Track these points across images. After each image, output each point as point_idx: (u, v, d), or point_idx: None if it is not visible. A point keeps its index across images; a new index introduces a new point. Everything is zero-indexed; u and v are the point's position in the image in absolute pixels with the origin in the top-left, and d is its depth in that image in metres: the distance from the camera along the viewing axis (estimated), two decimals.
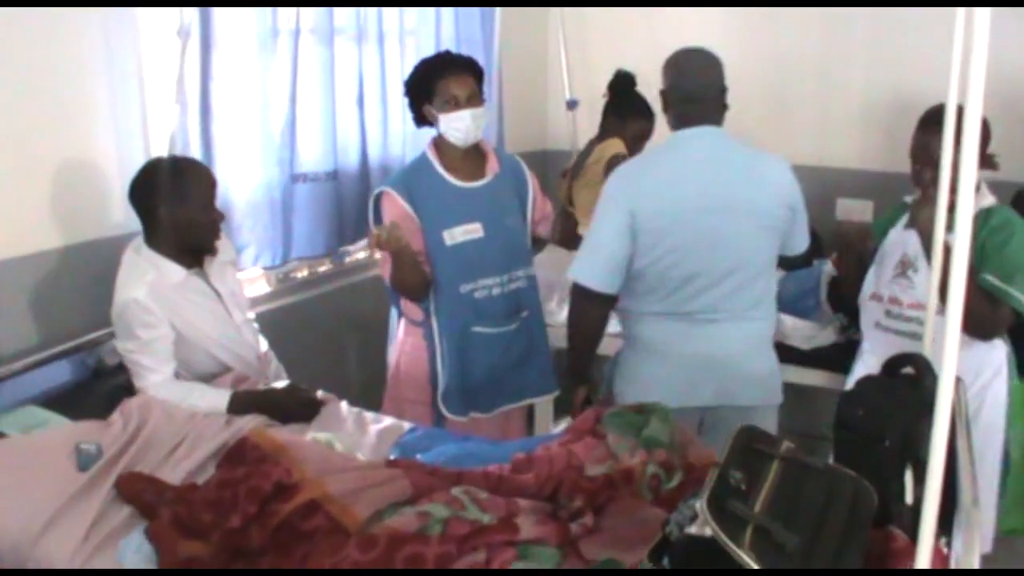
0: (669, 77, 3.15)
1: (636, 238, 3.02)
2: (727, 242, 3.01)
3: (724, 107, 3.14)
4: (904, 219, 3.31)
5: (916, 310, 3.22)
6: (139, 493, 2.41)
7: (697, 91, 3.09)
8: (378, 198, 3.43)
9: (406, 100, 3.48)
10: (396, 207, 3.36)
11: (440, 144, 3.46)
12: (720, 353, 3.11)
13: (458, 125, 3.35)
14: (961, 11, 2.20)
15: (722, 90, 3.13)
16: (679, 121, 3.12)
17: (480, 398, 3.53)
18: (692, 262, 3.02)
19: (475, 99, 3.37)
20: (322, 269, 4.25)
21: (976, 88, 1.34)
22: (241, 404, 2.94)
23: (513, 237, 3.56)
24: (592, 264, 3.10)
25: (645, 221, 3.00)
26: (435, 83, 3.36)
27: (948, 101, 2.41)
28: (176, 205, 2.93)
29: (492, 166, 3.53)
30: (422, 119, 3.46)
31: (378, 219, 3.44)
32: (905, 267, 3.27)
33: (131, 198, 2.98)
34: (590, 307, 3.16)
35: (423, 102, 3.40)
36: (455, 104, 3.33)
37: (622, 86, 4.36)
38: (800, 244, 3.26)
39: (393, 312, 3.69)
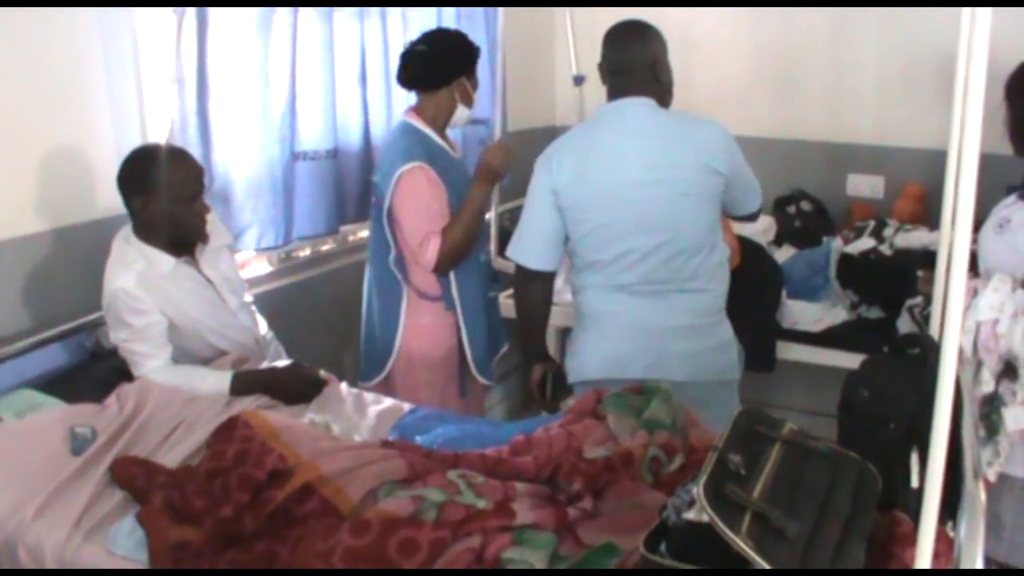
0: (601, 51, 3.22)
1: (563, 214, 3.10)
2: (649, 214, 3.01)
3: (655, 79, 3.13)
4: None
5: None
6: (132, 477, 2.38)
7: (622, 63, 3.13)
8: (403, 175, 3.36)
9: (448, 57, 3.51)
10: (435, 182, 3.38)
11: (424, 114, 3.53)
12: (655, 326, 3.10)
13: (472, 108, 3.57)
14: None
15: (651, 62, 3.11)
16: (609, 94, 3.18)
17: (490, 362, 3.69)
18: (620, 236, 3.04)
19: None
20: (324, 248, 4.21)
21: (978, 69, 1.30)
22: (244, 384, 2.91)
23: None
24: (525, 243, 3.20)
25: (566, 197, 3.07)
26: (475, 64, 3.54)
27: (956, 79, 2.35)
28: (150, 197, 2.87)
29: (454, 141, 3.70)
30: (440, 83, 3.50)
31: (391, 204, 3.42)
32: (1004, 222, 3.16)
33: (117, 186, 2.94)
34: (529, 285, 3.24)
35: (461, 73, 3.50)
36: (476, 88, 3.58)
37: None
38: (747, 206, 3.24)
39: (384, 296, 3.60)
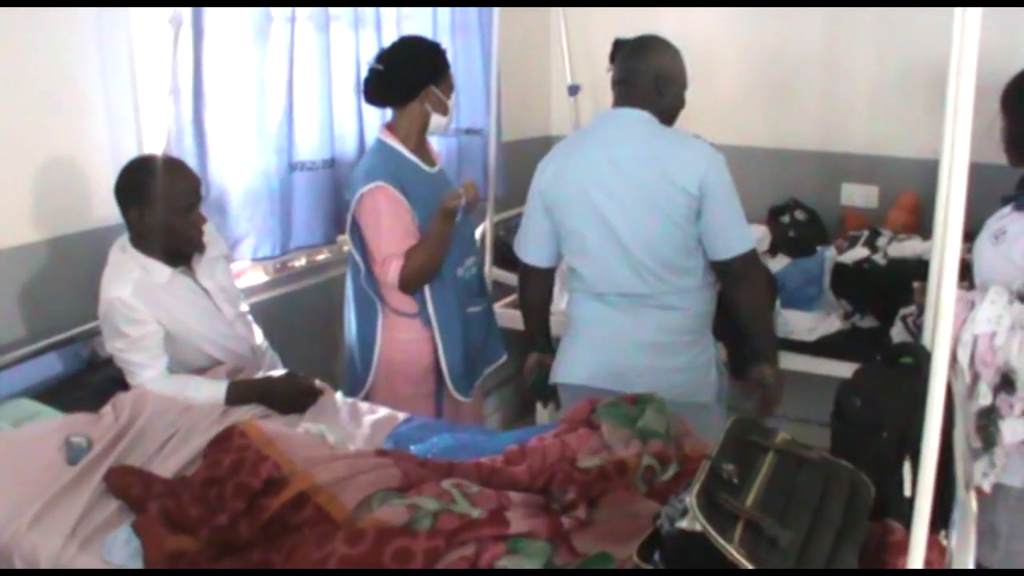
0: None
1: (549, 215, 3.19)
2: (616, 225, 3.03)
3: (658, 93, 3.11)
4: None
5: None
6: (128, 487, 2.38)
7: (627, 74, 3.14)
8: (363, 196, 3.36)
9: (407, 70, 3.47)
10: (396, 201, 3.35)
11: (397, 130, 3.50)
12: (623, 338, 3.14)
13: (450, 114, 3.53)
14: None
15: (655, 76, 3.10)
16: (613, 103, 3.18)
17: (471, 378, 3.66)
18: (590, 244, 3.10)
19: None
20: (320, 258, 4.22)
21: (967, 79, 1.31)
22: (239, 394, 2.92)
23: (469, 218, 3.69)
24: (522, 239, 3.35)
25: (547, 198, 3.17)
26: (447, 69, 3.50)
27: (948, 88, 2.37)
28: (146, 208, 2.88)
29: (437, 152, 3.69)
30: (409, 96, 3.47)
31: (355, 221, 3.44)
32: (999, 233, 3.14)
33: (115, 196, 2.95)
34: (528, 279, 3.40)
35: (430, 82, 3.46)
36: (450, 93, 3.51)
37: None
38: (719, 247, 3.03)
39: (360, 311, 3.59)
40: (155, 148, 3.25)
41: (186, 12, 3.20)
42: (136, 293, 2.85)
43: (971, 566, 1.76)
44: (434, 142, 3.76)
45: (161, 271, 2.94)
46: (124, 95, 3.25)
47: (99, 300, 2.88)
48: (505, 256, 4.15)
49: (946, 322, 1.39)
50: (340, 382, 3.39)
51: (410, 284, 3.39)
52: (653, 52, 3.13)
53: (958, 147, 1.34)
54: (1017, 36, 4.11)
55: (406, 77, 3.44)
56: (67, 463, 2.49)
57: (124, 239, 2.97)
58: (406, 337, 3.52)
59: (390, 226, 3.35)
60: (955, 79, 2.33)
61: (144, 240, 2.93)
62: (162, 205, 2.88)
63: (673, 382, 3.06)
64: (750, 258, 3.04)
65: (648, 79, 3.09)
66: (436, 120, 3.50)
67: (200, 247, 3.04)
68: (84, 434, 2.59)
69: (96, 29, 3.13)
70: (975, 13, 1.31)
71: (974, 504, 1.92)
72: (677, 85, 3.15)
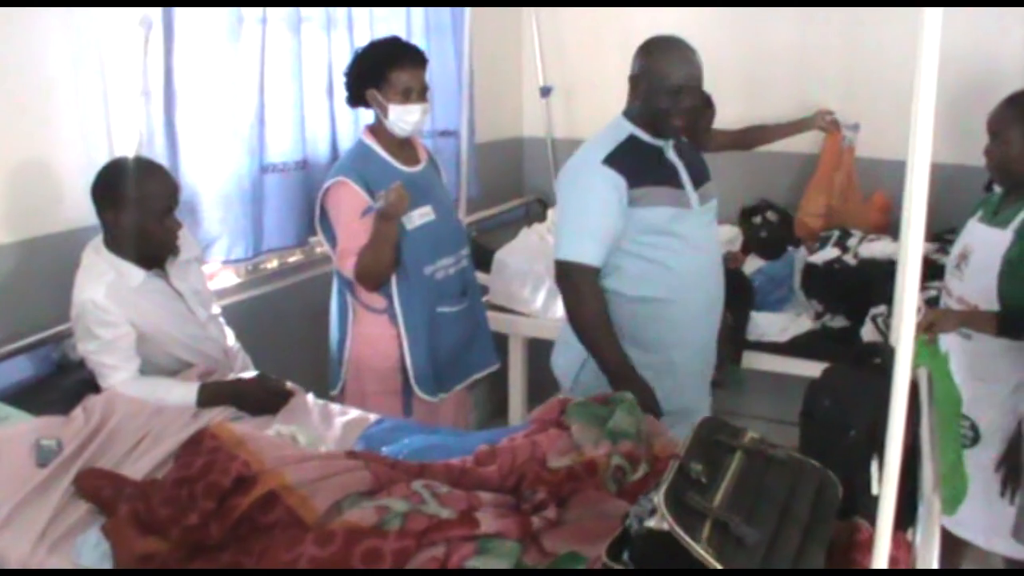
0: None
1: None
2: None
3: (633, 96, 3.17)
4: (980, 211, 3.23)
5: (959, 304, 3.16)
6: (98, 489, 2.38)
7: None
8: (328, 190, 3.40)
9: (345, 79, 3.51)
10: (355, 196, 3.35)
11: (378, 131, 3.50)
12: None
13: (408, 119, 3.41)
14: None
15: (631, 78, 3.15)
16: None
17: (443, 379, 3.60)
18: None
19: (424, 93, 3.46)
20: (292, 260, 4.21)
21: (928, 83, 1.32)
22: (210, 396, 2.92)
23: (455, 218, 3.73)
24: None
25: None
26: (389, 71, 3.39)
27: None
28: (122, 211, 2.88)
29: (422, 152, 3.64)
30: (359, 101, 3.49)
31: (323, 213, 3.47)
32: (960, 259, 3.19)
33: (91, 197, 2.94)
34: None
35: (368, 86, 3.42)
36: (408, 96, 3.40)
37: None
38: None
39: (337, 306, 3.63)
40: (127, 150, 3.24)
41: (156, 14, 3.19)
42: (109, 295, 2.84)
43: (935, 564, 1.76)
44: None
45: (135, 274, 2.93)
46: (95, 97, 3.23)
47: (72, 302, 2.87)
48: (479, 257, 4.14)
49: (909, 322, 1.40)
50: (315, 381, 3.39)
51: (364, 280, 3.41)
52: (637, 53, 3.13)
53: (919, 148, 1.35)
54: (989, 42, 4.16)
55: (349, 82, 3.49)
56: (37, 465, 2.47)
57: (98, 241, 2.96)
58: (374, 333, 3.52)
59: (347, 222, 3.37)
60: (919, 79, 2.36)
61: (119, 242, 2.92)
62: (138, 208, 2.88)
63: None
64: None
65: (630, 80, 3.13)
66: (392, 123, 3.43)
67: (174, 251, 3.03)
68: (55, 436, 2.57)
69: (66, 30, 3.12)
70: (936, 13, 1.32)
71: (939, 503, 1.93)
72: (651, 88, 3.06)
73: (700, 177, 3.23)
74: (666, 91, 3.04)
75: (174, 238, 2.99)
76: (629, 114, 3.14)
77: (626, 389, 2.72)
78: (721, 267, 3.31)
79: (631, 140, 3.12)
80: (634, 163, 3.07)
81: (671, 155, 3.17)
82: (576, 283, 3.08)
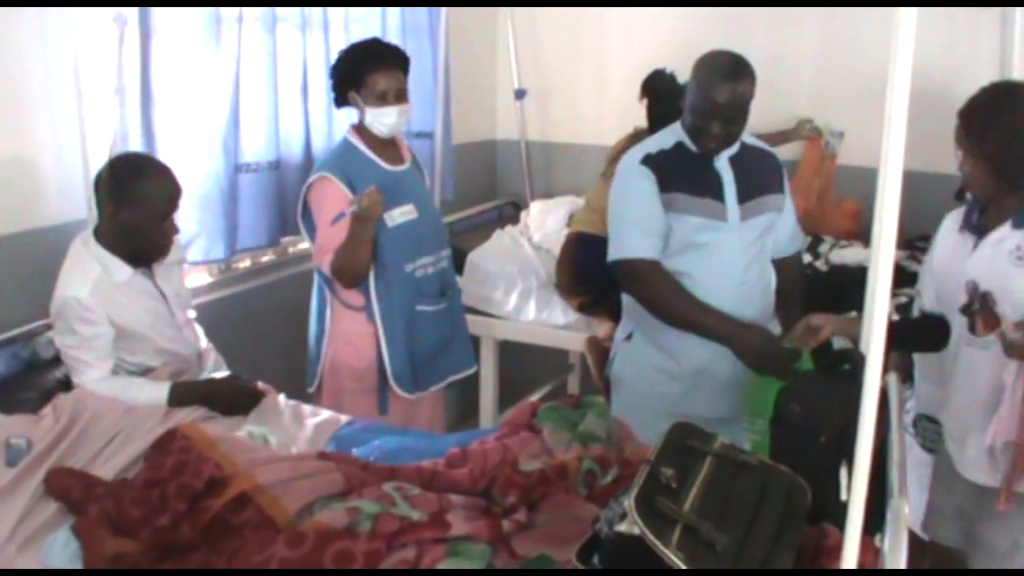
0: None
1: None
2: None
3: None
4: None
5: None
6: (68, 489, 2.37)
7: None
8: (311, 186, 3.44)
9: (330, 82, 3.56)
10: (337, 192, 3.36)
11: (363, 130, 3.52)
12: None
13: (385, 120, 3.46)
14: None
15: None
16: None
17: (420, 377, 3.61)
18: None
19: (403, 95, 3.49)
20: (264, 259, 4.20)
21: (901, 88, 1.34)
22: (181, 396, 2.91)
23: (437, 218, 3.77)
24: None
25: None
26: (365, 74, 3.43)
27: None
28: (123, 207, 2.87)
29: (406, 152, 3.68)
30: (343, 102, 3.53)
31: (306, 208, 3.49)
32: None
33: (94, 187, 2.94)
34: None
35: (349, 88, 3.47)
36: (384, 99, 3.43)
37: (663, 89, 3.98)
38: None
39: (316, 302, 3.65)
40: (101, 148, 3.22)
41: (132, 12, 3.17)
42: (94, 294, 2.83)
43: (903, 567, 1.78)
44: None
45: (121, 270, 2.92)
46: (68, 95, 3.20)
47: (53, 296, 2.86)
48: (453, 257, 4.14)
49: (880, 328, 1.41)
50: (288, 382, 3.38)
51: (340, 278, 3.43)
52: (695, 62, 3.11)
53: (892, 154, 1.36)
54: (962, 49, 4.19)
55: (333, 84, 3.54)
56: (6, 464, 2.46)
57: (87, 233, 2.95)
58: (351, 331, 3.54)
59: (326, 219, 3.38)
60: (892, 80, 2.37)
61: (111, 236, 2.91)
62: (140, 208, 2.87)
63: None
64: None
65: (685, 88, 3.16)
66: (371, 125, 3.47)
67: (164, 253, 3.03)
68: (24, 435, 2.56)
69: (38, 28, 3.10)
70: (910, 14, 1.33)
71: (907, 509, 1.94)
72: (690, 104, 3.05)
73: (752, 191, 3.14)
74: (699, 112, 3.02)
75: (168, 243, 3.00)
76: (684, 122, 3.12)
77: (745, 349, 2.89)
78: (759, 284, 3.22)
79: (677, 147, 3.11)
80: (672, 169, 3.06)
81: (720, 165, 3.10)
82: (637, 277, 3.10)
